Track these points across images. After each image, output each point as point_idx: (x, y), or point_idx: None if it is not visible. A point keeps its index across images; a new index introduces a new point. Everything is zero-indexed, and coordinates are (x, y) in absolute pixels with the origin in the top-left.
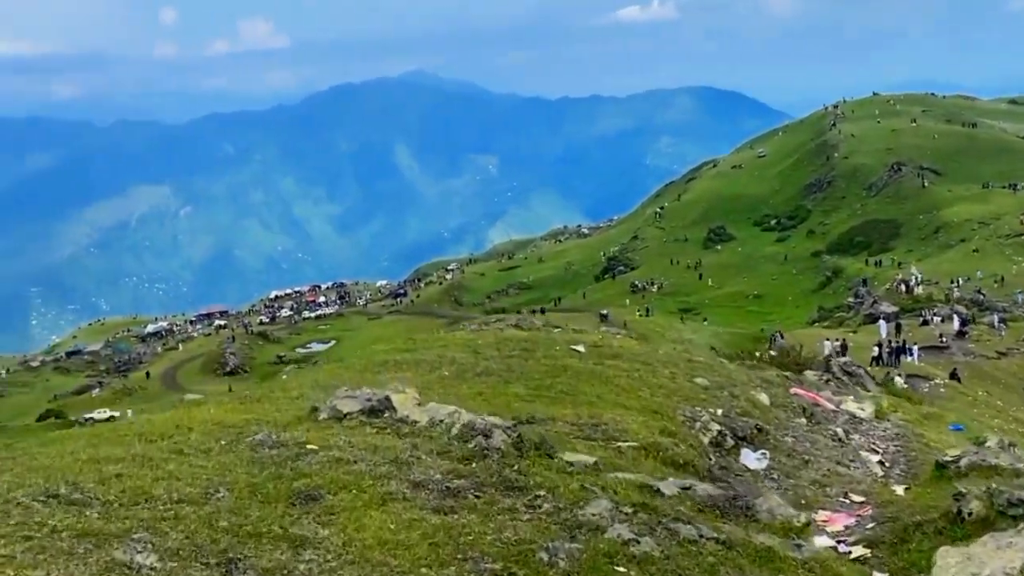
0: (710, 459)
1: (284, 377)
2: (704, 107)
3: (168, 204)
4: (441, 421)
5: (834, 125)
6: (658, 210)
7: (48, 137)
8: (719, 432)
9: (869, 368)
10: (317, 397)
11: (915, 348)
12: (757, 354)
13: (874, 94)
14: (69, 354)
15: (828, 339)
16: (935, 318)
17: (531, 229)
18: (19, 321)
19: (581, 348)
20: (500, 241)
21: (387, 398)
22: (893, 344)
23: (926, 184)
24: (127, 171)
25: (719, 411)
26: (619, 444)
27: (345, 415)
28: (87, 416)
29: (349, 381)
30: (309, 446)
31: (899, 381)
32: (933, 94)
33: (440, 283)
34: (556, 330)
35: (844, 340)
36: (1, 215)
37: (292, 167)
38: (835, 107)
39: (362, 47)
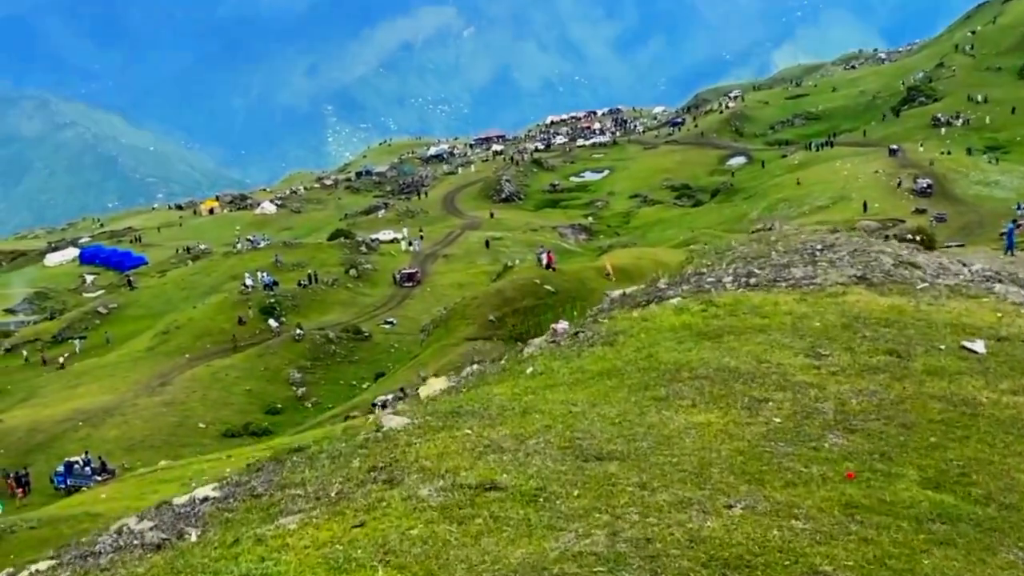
0: None
1: (529, 370)
2: None
3: (451, 25)
4: None
5: None
6: (969, 34)
7: None
8: None
9: None
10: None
11: None
12: None
13: None
14: (359, 174)
15: None
16: None
17: (821, 53)
18: (316, 138)
19: (980, 347)
20: (786, 66)
21: None
22: None
23: None
24: None
25: None
26: None
27: None
28: (373, 237)
29: (621, 424)
30: None
31: None
32: None
33: (720, 111)
34: (922, 285)
35: None
36: (301, 35)
37: None
38: None
39: None
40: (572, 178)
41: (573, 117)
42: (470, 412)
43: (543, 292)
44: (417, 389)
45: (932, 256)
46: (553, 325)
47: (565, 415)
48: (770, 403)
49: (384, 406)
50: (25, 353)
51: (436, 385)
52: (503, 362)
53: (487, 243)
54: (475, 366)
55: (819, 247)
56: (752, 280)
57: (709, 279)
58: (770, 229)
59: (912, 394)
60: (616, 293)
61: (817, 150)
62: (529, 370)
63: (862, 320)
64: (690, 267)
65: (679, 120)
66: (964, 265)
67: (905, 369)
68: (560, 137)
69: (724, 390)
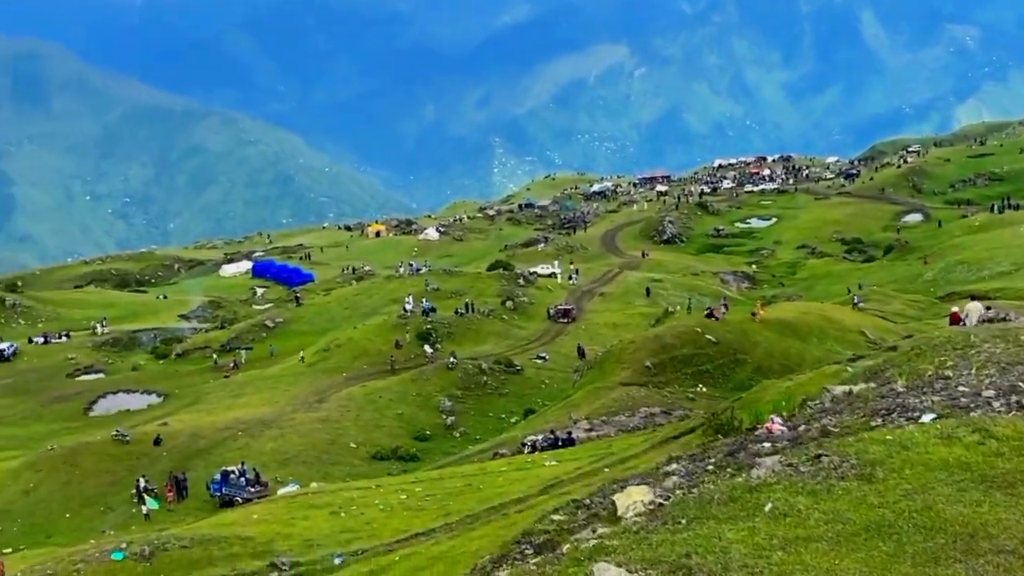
0: None
1: (767, 507)
2: None
3: (624, 64)
4: None
5: None
6: None
7: None
8: None
9: None
10: None
11: None
12: None
13: None
14: (521, 207)
15: None
16: None
17: (1008, 111)
18: (482, 168)
19: None
20: (970, 123)
21: None
22: None
23: None
24: (589, 28)
25: None
26: None
27: None
28: (531, 270)
29: None
30: None
31: None
32: None
33: (898, 166)
34: None
35: None
36: (476, 66)
37: (749, 30)
38: None
39: None
40: (737, 224)
41: (742, 161)
42: (703, 570)
43: (704, 342)
44: (613, 499)
45: None
46: (768, 424)
47: None
48: None
49: (534, 447)
50: (215, 357)
51: (636, 496)
52: (725, 483)
53: (647, 291)
54: (675, 466)
55: None
56: None
57: (962, 388)
58: (1004, 319)
59: None
60: (839, 389)
61: (1000, 212)
62: (768, 507)
63: None
64: (929, 366)
65: (854, 171)
66: None
67: None
68: (727, 181)
69: None
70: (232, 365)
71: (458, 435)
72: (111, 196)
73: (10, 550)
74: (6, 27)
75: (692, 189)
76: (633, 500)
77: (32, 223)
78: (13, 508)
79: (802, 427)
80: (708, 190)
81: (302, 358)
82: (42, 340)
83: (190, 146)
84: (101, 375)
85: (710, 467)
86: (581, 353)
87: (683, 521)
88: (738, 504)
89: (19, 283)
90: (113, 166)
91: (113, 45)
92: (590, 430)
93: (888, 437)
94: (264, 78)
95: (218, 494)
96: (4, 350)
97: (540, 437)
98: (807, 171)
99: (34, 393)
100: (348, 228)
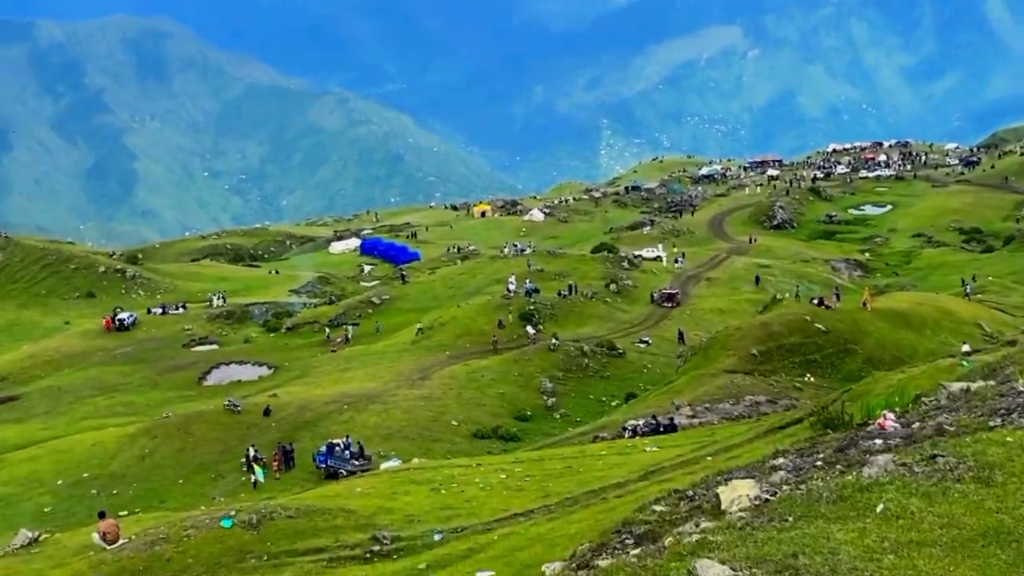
0: None
1: (879, 507)
2: None
3: (737, 45)
4: None
5: None
6: None
7: None
8: None
9: None
10: None
11: None
12: None
13: None
14: (627, 189)
15: None
16: None
17: None
18: (589, 150)
19: None
20: None
21: None
22: None
23: None
24: (702, 9)
25: None
26: None
27: None
28: (636, 254)
29: None
30: None
31: None
32: None
33: (1021, 153)
34: None
35: None
36: (587, 48)
37: (870, 11)
38: None
39: None
40: (851, 210)
41: (857, 147)
42: (811, 571)
43: (813, 331)
44: (717, 491)
45: None
46: (880, 420)
47: None
48: None
49: (635, 432)
50: (328, 331)
51: (741, 490)
52: (834, 480)
53: (757, 279)
54: (781, 460)
55: None
56: None
57: None
58: None
59: None
60: (956, 387)
61: None
62: (879, 507)
63: None
64: None
65: (974, 159)
66: None
67: None
68: (841, 166)
69: None
70: (342, 340)
71: (559, 417)
72: (228, 173)
73: (125, 512)
74: (133, 6)
75: (804, 174)
76: (738, 494)
77: (152, 197)
78: (129, 472)
79: (916, 424)
80: (821, 175)
81: (420, 330)
82: (160, 311)
83: (305, 125)
84: (215, 346)
85: (819, 463)
86: (681, 338)
87: (790, 519)
88: (848, 503)
89: (139, 256)
90: (231, 143)
91: (233, 25)
92: (693, 416)
93: (1008, 439)
94: (377, 59)
95: (323, 466)
96: (124, 320)
97: (641, 422)
98: (925, 158)
99: (151, 362)
100: (454, 208)
